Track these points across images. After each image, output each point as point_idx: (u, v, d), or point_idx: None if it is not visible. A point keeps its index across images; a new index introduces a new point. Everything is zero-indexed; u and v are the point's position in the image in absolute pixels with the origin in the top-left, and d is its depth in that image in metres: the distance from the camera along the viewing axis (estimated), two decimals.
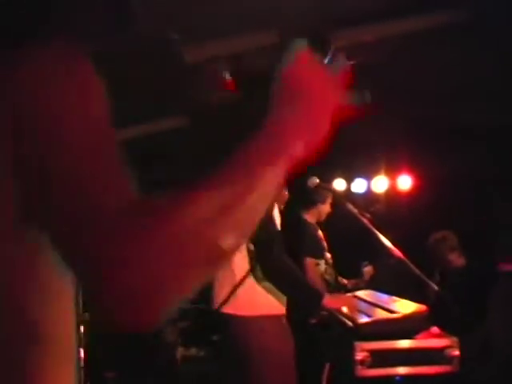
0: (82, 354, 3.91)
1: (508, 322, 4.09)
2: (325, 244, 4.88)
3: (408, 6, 4.03)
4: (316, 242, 4.88)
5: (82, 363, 3.92)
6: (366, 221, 3.81)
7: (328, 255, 4.91)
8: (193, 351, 8.34)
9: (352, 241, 6.20)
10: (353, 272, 5.34)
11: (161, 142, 6.53)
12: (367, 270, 5.14)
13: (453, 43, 4.46)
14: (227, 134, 3.44)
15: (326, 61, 1.13)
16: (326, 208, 5.04)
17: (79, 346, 3.81)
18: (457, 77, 5.06)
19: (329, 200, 5.02)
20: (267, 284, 3.10)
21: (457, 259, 4.82)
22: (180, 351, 8.09)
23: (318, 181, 3.65)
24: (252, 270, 3.12)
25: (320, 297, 3.11)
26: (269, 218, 3.11)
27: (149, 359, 7.53)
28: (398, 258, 3.58)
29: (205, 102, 4.94)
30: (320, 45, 3.55)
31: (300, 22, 4.19)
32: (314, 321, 3.53)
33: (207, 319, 7.52)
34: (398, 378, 3.46)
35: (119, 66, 4.34)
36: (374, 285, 4.41)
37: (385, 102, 5.59)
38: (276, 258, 3.06)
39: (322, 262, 4.71)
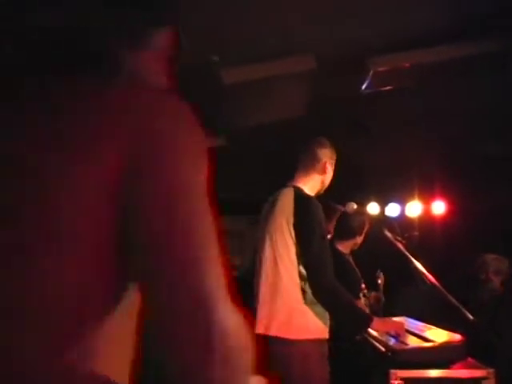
0: None
1: None
2: (359, 275, 4.75)
3: (447, 33, 4.04)
4: (353, 277, 4.73)
5: None
6: (400, 246, 3.80)
7: (363, 286, 4.80)
8: None
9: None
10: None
11: None
12: (380, 279, 5.04)
13: (491, 72, 4.46)
14: None
15: None
16: (361, 239, 4.84)
17: None
18: (495, 105, 5.07)
19: (365, 230, 4.84)
20: (316, 308, 3.11)
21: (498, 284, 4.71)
22: None
23: (355, 206, 3.64)
24: (303, 294, 3.13)
25: (370, 319, 3.15)
26: (324, 241, 3.14)
27: None
28: (432, 284, 3.56)
29: None
30: None
31: (338, 49, 4.25)
32: (350, 345, 3.53)
33: None
34: None
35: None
36: (408, 311, 4.35)
37: (423, 127, 5.66)
38: (329, 280, 3.08)
39: (361, 296, 4.60)
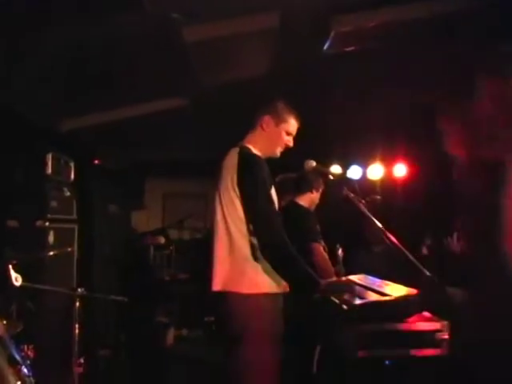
0: (77, 330, 3.93)
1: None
2: (318, 228, 4.88)
3: None
4: (315, 226, 4.87)
5: (77, 338, 3.94)
6: (362, 206, 3.82)
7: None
8: (184, 332, 8.45)
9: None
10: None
11: (159, 122, 6.55)
12: (340, 252, 5.14)
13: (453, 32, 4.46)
14: None
15: None
16: (317, 197, 5.01)
17: (74, 321, 3.85)
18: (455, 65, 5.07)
19: (321, 189, 5.00)
20: (265, 264, 3.13)
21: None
22: (172, 332, 8.17)
23: (314, 164, 3.64)
24: (252, 250, 3.16)
25: (316, 282, 3.12)
26: (268, 197, 3.15)
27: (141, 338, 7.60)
28: (392, 243, 3.60)
29: None
30: None
31: (302, 6, 4.21)
32: (310, 301, 3.54)
33: (199, 301, 7.64)
34: (387, 361, 3.52)
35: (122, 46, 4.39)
36: (367, 270, 4.42)
37: (382, 88, 5.66)
38: (275, 237, 3.10)
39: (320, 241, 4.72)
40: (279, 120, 3.38)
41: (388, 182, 7.67)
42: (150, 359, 7.19)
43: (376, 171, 7.66)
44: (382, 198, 7.08)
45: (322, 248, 4.67)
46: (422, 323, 3.15)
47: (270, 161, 3.36)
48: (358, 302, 3.23)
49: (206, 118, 6.52)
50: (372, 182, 7.64)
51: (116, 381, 6.12)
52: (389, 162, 7.60)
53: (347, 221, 6.36)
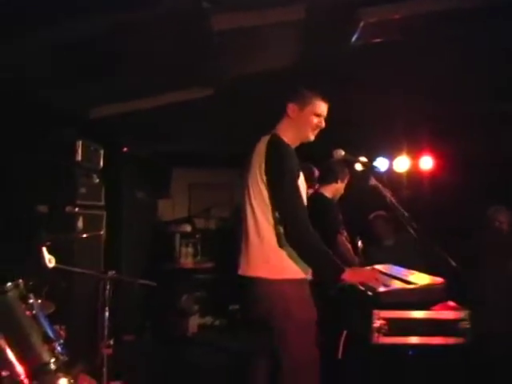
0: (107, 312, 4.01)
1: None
2: (340, 218, 4.92)
3: None
4: (338, 217, 4.91)
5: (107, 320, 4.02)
6: (390, 196, 3.85)
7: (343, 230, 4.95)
8: (208, 320, 8.51)
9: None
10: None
11: (186, 112, 6.59)
12: (360, 244, 5.18)
13: (481, 26, 4.45)
14: None
15: None
16: (342, 187, 5.04)
17: (104, 304, 3.92)
18: (483, 61, 5.06)
19: (346, 180, 5.03)
20: (291, 251, 3.18)
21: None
22: (196, 319, 8.23)
23: (343, 153, 3.67)
24: (278, 237, 3.20)
25: (340, 269, 3.16)
26: (294, 186, 3.19)
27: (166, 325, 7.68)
28: (419, 234, 3.63)
29: None
30: None
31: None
32: (335, 289, 3.59)
33: (224, 289, 7.70)
34: (410, 352, 3.56)
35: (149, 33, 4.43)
36: (394, 259, 4.45)
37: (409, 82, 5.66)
38: (300, 225, 3.14)
39: (343, 232, 4.77)
40: (304, 104, 3.42)
41: (414, 175, 7.66)
42: (173, 346, 7.28)
43: (402, 164, 7.64)
44: (409, 190, 7.11)
45: (344, 239, 4.71)
46: (446, 312, 3.18)
47: (296, 150, 3.40)
48: (382, 289, 3.26)
49: (231, 109, 6.55)
50: (398, 175, 7.63)
51: (140, 365, 6.20)
52: (415, 154, 7.58)
53: (364, 215, 6.42)
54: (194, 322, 8.17)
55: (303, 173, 3.40)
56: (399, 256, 5.13)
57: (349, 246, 4.86)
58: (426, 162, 7.52)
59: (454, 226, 5.96)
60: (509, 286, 4.52)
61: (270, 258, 3.22)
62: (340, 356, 3.43)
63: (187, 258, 8.55)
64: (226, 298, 8.07)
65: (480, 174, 6.57)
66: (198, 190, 9.97)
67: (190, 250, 8.63)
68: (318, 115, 3.44)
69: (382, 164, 7.56)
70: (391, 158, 7.66)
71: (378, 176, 3.79)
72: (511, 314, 4.36)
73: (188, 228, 8.84)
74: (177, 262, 8.47)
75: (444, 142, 7.09)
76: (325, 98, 3.47)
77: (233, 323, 8.21)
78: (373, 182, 3.99)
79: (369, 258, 5.03)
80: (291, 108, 3.43)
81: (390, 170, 7.62)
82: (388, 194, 3.85)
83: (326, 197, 4.92)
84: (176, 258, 8.52)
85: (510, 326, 4.26)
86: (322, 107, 3.46)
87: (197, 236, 8.87)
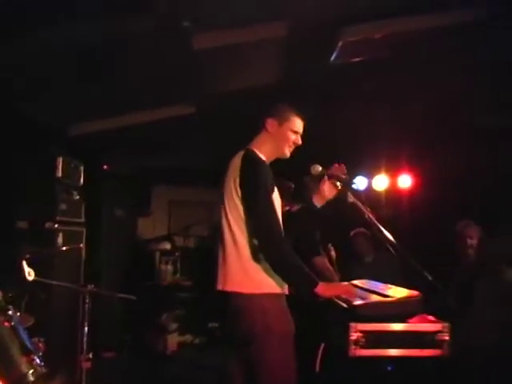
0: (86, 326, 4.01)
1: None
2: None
3: (420, 4, 4.10)
4: (315, 237, 4.90)
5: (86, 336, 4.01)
6: (368, 213, 3.85)
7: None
8: (188, 338, 8.49)
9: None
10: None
11: (167, 129, 6.62)
12: (332, 253, 5.20)
13: (464, 43, 4.52)
14: None
15: None
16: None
17: (84, 317, 3.92)
18: (460, 77, 5.13)
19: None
20: (267, 265, 3.20)
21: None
22: (175, 337, 8.21)
23: (321, 168, 3.68)
24: (254, 251, 3.22)
25: (314, 283, 3.17)
26: (267, 200, 3.21)
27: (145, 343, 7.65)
28: (397, 251, 3.65)
29: None
30: None
31: (310, 17, 4.28)
32: (312, 302, 3.60)
33: (203, 307, 7.70)
34: (389, 367, 3.58)
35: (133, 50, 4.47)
36: (373, 275, 4.48)
37: (387, 100, 5.74)
38: (273, 239, 3.17)
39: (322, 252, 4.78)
40: (282, 119, 3.43)
41: (393, 193, 7.73)
42: (153, 363, 7.25)
43: (381, 182, 7.71)
44: (388, 209, 7.17)
45: (325, 260, 4.72)
46: (423, 324, 3.21)
47: (273, 166, 3.43)
48: (358, 302, 3.29)
49: (213, 127, 6.59)
50: (377, 193, 7.69)
51: (119, 382, 6.17)
52: (394, 172, 7.66)
53: (342, 229, 6.48)
54: (174, 339, 8.14)
55: (281, 189, 3.42)
56: (378, 272, 5.17)
57: (330, 266, 4.88)
58: (405, 181, 7.58)
59: (432, 243, 6.00)
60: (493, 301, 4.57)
61: (248, 272, 3.23)
62: (317, 369, 3.44)
63: (166, 276, 8.55)
64: (205, 315, 8.07)
65: (456, 190, 6.63)
66: (177, 208, 9.99)
67: (170, 267, 8.63)
68: (295, 132, 3.47)
69: (360, 182, 7.67)
70: (370, 176, 7.73)
71: (356, 193, 3.79)
72: (493, 328, 4.40)
73: (167, 246, 8.84)
74: (156, 280, 8.47)
75: (422, 159, 7.16)
76: (301, 116, 3.50)
77: (212, 341, 8.20)
78: (351, 199, 4.00)
79: (348, 274, 5.05)
80: (270, 123, 3.45)
81: (369, 189, 7.69)
82: (367, 211, 3.86)
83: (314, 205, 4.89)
84: (155, 276, 8.52)
85: (491, 339, 4.30)
86: (298, 124, 3.48)
87: (176, 254, 8.88)
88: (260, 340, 3.17)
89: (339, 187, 3.63)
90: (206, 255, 6.14)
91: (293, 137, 3.45)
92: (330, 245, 5.32)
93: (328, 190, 3.58)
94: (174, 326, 8.18)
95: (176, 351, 8.04)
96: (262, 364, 3.18)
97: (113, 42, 4.25)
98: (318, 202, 3.61)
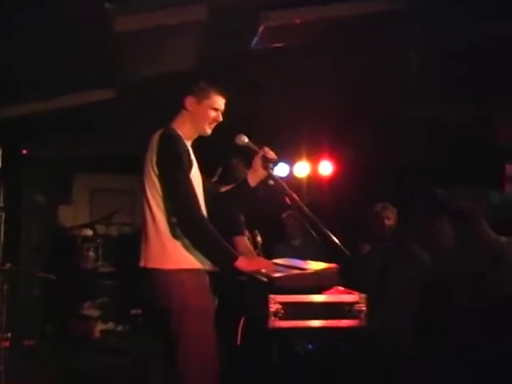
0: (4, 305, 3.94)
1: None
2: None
3: None
4: (239, 217, 4.94)
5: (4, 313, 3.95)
6: (295, 196, 3.86)
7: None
8: (111, 325, 8.43)
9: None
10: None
11: (88, 113, 6.54)
12: (259, 239, 5.28)
13: (381, 32, 4.63)
14: None
15: None
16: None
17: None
18: (380, 66, 5.26)
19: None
20: (186, 241, 3.24)
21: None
22: (98, 325, 8.14)
23: (247, 140, 3.67)
24: (172, 227, 3.26)
25: (233, 257, 3.22)
26: (184, 175, 3.25)
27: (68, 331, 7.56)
28: (319, 231, 3.69)
29: None
30: None
31: (231, 1, 4.32)
32: (231, 277, 3.65)
33: (126, 295, 7.66)
34: (310, 346, 3.67)
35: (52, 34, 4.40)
36: (300, 258, 4.55)
37: (307, 86, 5.83)
38: (191, 213, 3.21)
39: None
40: (201, 97, 3.42)
41: (314, 180, 7.85)
42: (75, 351, 7.17)
43: (302, 169, 7.82)
44: (309, 195, 7.27)
45: (246, 240, 4.76)
46: (341, 295, 3.30)
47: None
48: (277, 274, 3.35)
49: (135, 112, 6.54)
50: (298, 180, 7.80)
51: (39, 370, 6.08)
52: (315, 159, 7.78)
53: (267, 213, 6.56)
54: (97, 327, 8.07)
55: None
56: (305, 256, 5.26)
57: (251, 247, 4.93)
58: (326, 167, 7.72)
59: (353, 229, 6.14)
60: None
61: (166, 249, 3.25)
62: (238, 342, 3.49)
63: (88, 263, 8.46)
64: (127, 303, 8.03)
65: (375, 177, 6.82)
66: (100, 196, 9.88)
67: (92, 254, 8.55)
68: (216, 109, 3.49)
69: (282, 169, 7.77)
70: (291, 163, 7.83)
71: (276, 178, 3.79)
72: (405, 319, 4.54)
73: (89, 232, 8.75)
74: (78, 266, 8.37)
75: (342, 146, 7.31)
76: (223, 93, 3.52)
77: (135, 328, 8.17)
78: (271, 182, 3.99)
79: (274, 256, 5.13)
80: (189, 100, 3.44)
81: (290, 175, 7.80)
82: (293, 194, 3.85)
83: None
84: (77, 262, 8.42)
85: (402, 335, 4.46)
86: (220, 101, 3.49)
87: (98, 241, 8.79)
88: (177, 315, 3.21)
89: (271, 167, 3.63)
90: (129, 242, 6.12)
91: (213, 114, 3.46)
92: (256, 231, 5.37)
93: (260, 169, 3.59)
94: (96, 313, 8.11)
95: (99, 338, 7.98)
96: (179, 339, 3.21)
97: (34, 23, 4.19)
98: (252, 182, 3.62)
